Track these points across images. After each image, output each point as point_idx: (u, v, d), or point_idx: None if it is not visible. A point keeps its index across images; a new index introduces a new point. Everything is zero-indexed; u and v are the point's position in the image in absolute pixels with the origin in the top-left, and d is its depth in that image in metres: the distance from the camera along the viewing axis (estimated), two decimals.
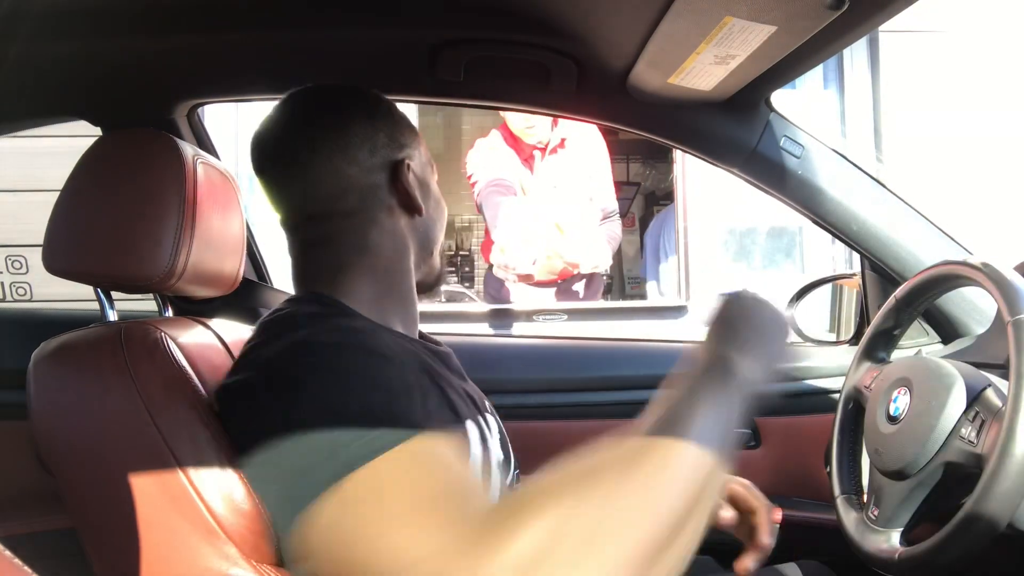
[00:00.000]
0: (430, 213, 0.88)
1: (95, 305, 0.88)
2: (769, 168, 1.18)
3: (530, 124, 2.66)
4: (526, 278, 2.72)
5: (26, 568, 0.37)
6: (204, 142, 1.27)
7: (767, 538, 0.89)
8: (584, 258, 2.71)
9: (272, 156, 0.83)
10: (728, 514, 0.91)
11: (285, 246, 0.86)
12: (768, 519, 0.90)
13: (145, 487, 0.69)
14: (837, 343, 1.47)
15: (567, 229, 2.66)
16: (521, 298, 2.80)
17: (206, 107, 1.31)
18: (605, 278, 3.22)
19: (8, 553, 0.37)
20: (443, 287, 3.12)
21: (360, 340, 0.68)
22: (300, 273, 0.84)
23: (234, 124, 2.64)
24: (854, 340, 1.41)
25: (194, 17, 0.98)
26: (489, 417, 0.88)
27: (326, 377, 0.61)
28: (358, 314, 0.77)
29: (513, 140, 2.76)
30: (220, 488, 0.69)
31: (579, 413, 1.39)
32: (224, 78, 1.17)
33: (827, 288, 1.54)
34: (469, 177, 2.80)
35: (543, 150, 2.73)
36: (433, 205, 0.89)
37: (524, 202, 2.71)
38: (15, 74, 0.96)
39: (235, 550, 0.68)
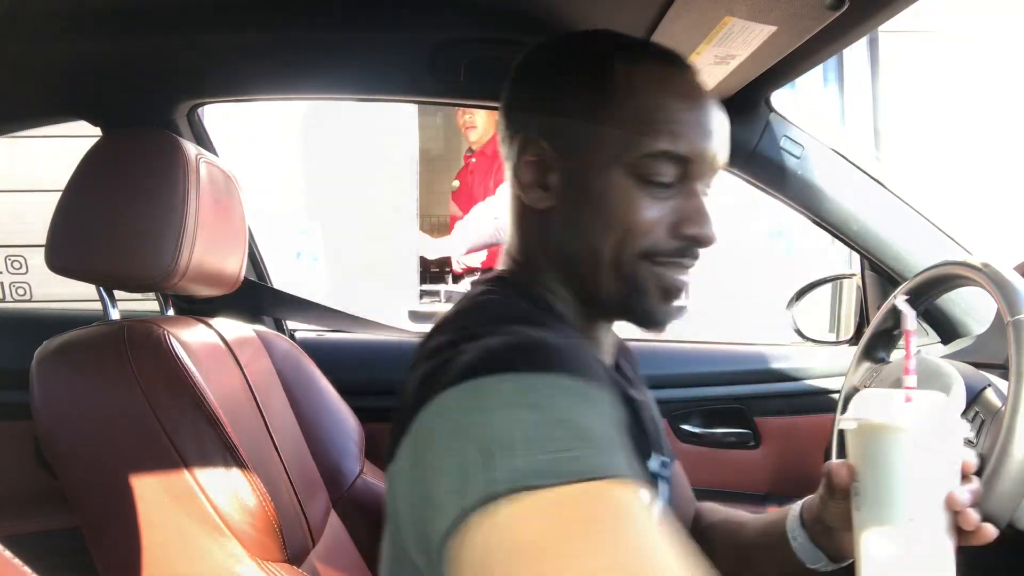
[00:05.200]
0: None
1: (94, 305, 0.89)
2: (769, 168, 1.18)
3: (471, 124, 2.60)
4: (469, 270, 2.72)
5: (26, 568, 0.37)
6: (204, 142, 1.27)
7: None
8: None
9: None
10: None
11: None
12: None
13: (150, 485, 0.69)
14: (837, 343, 1.47)
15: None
16: None
17: (206, 107, 1.30)
18: None
19: (8, 553, 0.37)
20: (445, 288, 3.15)
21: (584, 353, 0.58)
22: (521, 251, 0.70)
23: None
24: (854, 340, 1.41)
25: (194, 17, 0.98)
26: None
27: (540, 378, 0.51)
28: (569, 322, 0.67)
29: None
30: (225, 486, 0.69)
31: None
32: (224, 78, 1.17)
33: (827, 288, 1.54)
34: None
35: (477, 153, 2.69)
36: None
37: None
38: (15, 74, 0.96)
39: (241, 548, 0.68)
